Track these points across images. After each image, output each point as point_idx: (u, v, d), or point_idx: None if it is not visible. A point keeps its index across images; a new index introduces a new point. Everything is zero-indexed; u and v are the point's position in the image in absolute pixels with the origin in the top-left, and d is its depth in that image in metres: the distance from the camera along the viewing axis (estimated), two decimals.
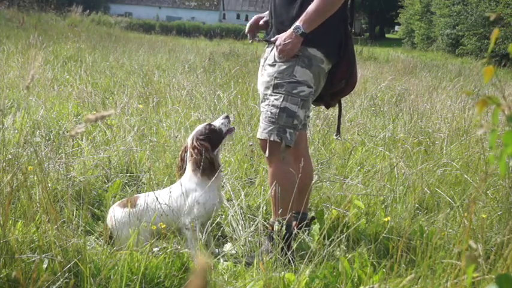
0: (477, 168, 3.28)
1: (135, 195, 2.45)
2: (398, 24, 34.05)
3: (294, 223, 2.35)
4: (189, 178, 2.36)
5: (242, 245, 2.39)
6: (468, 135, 3.98)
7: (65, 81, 6.00)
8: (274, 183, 2.28)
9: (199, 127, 2.47)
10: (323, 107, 2.71)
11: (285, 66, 2.26)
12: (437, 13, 23.73)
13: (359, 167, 3.41)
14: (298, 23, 2.20)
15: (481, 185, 2.69)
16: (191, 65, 8.64)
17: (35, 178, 2.46)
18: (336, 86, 2.42)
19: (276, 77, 2.27)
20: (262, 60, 2.46)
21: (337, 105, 2.59)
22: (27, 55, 6.86)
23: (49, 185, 2.43)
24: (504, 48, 14.83)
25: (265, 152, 2.32)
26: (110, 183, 2.98)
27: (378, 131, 4.31)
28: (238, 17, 50.08)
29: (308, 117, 2.58)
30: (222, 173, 2.61)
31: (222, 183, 2.74)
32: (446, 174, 3.24)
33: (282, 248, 2.12)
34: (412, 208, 2.70)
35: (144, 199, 2.33)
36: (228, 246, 2.43)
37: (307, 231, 2.47)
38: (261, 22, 2.58)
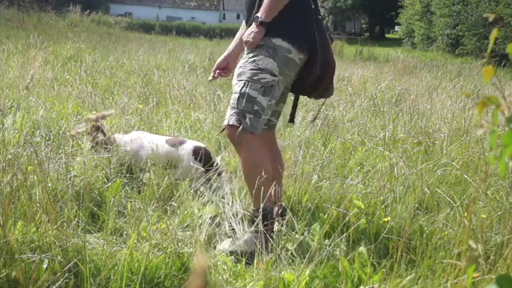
0: (477, 168, 3.28)
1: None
2: (398, 24, 34.03)
3: (275, 210, 2.35)
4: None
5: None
6: (468, 135, 3.97)
7: (65, 81, 6.00)
8: (244, 171, 2.36)
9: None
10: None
11: (248, 56, 2.36)
12: (437, 13, 23.72)
13: (359, 167, 3.41)
14: (258, 13, 2.31)
15: (481, 185, 2.69)
16: (191, 65, 8.64)
17: (35, 178, 2.46)
18: (313, 73, 2.44)
19: (240, 66, 2.37)
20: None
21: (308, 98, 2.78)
22: (27, 55, 6.86)
23: (49, 185, 2.43)
24: (504, 48, 14.82)
25: (228, 137, 2.39)
26: (110, 184, 2.98)
27: (378, 131, 4.30)
28: (238, 17, 50.04)
29: (279, 112, 2.63)
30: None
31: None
32: (446, 174, 3.24)
33: (265, 238, 2.14)
34: (412, 208, 2.70)
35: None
36: (226, 244, 2.43)
37: (281, 223, 2.47)
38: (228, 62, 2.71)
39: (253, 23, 2.32)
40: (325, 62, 2.44)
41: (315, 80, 2.47)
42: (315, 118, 3.17)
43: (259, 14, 2.30)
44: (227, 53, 2.70)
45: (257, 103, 2.31)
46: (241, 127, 2.29)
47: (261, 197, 2.24)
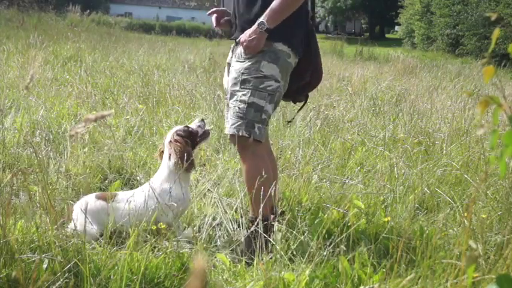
0: (477, 168, 3.28)
1: (114, 192, 2.49)
2: (399, 24, 34.01)
3: (271, 216, 2.35)
4: (166, 177, 2.41)
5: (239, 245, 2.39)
6: (468, 135, 3.97)
7: (64, 81, 6.00)
8: (248, 179, 2.32)
9: (177, 127, 2.54)
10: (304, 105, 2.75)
11: (251, 62, 2.29)
12: (437, 13, 23.71)
13: (359, 167, 3.41)
14: (262, 19, 2.24)
15: (481, 185, 2.69)
16: (191, 65, 8.64)
17: (35, 178, 2.46)
18: (303, 78, 2.45)
19: (243, 73, 2.30)
20: (229, 58, 2.49)
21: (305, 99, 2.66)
22: (27, 55, 6.86)
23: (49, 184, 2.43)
24: (504, 48, 14.80)
25: (237, 148, 2.34)
26: (109, 184, 2.98)
27: (378, 131, 4.30)
28: None
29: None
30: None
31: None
32: (446, 174, 3.24)
33: (264, 242, 2.14)
34: (412, 208, 2.70)
35: (122, 197, 2.38)
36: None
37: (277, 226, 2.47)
38: (223, 20, 2.58)
39: (257, 27, 2.24)
40: (316, 69, 2.47)
41: (303, 85, 2.50)
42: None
43: (264, 20, 2.23)
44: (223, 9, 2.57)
45: (265, 112, 2.29)
46: (251, 138, 2.27)
47: (258, 203, 2.23)
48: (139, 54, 9.77)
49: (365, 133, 4.27)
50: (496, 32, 0.92)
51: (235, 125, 2.29)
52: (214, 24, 2.58)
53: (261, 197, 2.21)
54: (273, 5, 2.24)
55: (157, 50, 11.34)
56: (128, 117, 4.17)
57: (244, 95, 2.28)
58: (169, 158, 2.43)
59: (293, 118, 2.89)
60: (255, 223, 2.19)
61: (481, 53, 18.46)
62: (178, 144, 2.42)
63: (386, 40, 36.18)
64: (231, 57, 2.45)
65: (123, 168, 3.23)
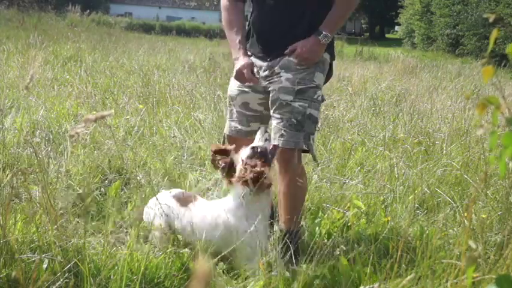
0: (477, 168, 3.28)
1: (195, 194, 2.28)
2: (398, 24, 34.02)
3: (302, 230, 2.37)
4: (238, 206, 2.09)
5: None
6: (468, 135, 3.97)
7: (65, 81, 6.00)
8: (292, 189, 2.24)
9: (245, 151, 2.16)
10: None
11: (306, 73, 2.25)
12: (437, 13, 23.72)
13: (359, 167, 3.41)
14: (325, 31, 2.21)
15: (481, 185, 2.69)
16: (191, 65, 8.64)
17: (35, 178, 2.46)
18: None
19: (298, 83, 2.23)
20: (237, 84, 2.37)
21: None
22: (27, 55, 6.86)
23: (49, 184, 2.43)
24: (504, 48, 14.77)
25: (290, 161, 2.20)
26: (109, 184, 2.98)
27: (378, 131, 4.30)
28: None
29: None
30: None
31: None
32: (446, 174, 3.24)
33: (293, 254, 2.12)
34: (412, 208, 2.70)
35: (201, 205, 2.17)
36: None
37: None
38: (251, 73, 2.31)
39: (319, 39, 2.20)
40: (331, 68, 2.46)
41: None
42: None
43: (326, 32, 2.19)
44: (248, 60, 2.30)
45: (317, 122, 2.30)
46: (310, 151, 2.24)
47: (296, 217, 2.23)
48: (139, 54, 9.77)
49: (365, 133, 4.27)
50: (494, 33, 0.92)
51: (294, 138, 2.20)
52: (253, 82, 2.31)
53: (298, 209, 2.23)
54: (333, 16, 2.23)
55: (157, 50, 11.34)
56: (128, 117, 4.17)
57: (301, 106, 2.21)
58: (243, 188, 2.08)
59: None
60: (292, 234, 2.20)
61: (481, 53, 18.46)
62: (253, 170, 2.05)
63: (386, 40, 36.17)
64: (264, 75, 2.31)
65: (123, 168, 3.23)
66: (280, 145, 2.19)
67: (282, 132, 2.21)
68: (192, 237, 2.13)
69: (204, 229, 2.10)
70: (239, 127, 2.43)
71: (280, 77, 2.27)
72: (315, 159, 2.36)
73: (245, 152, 2.15)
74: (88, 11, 21.30)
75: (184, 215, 2.18)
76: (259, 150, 2.12)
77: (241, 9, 2.44)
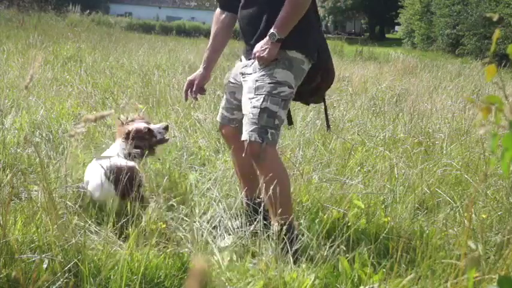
0: (477, 168, 3.28)
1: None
2: (398, 24, 34.01)
3: (296, 223, 2.35)
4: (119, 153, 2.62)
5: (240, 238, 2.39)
6: (468, 135, 3.97)
7: (65, 81, 6.00)
8: (270, 186, 2.25)
9: (140, 123, 2.73)
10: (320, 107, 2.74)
11: (265, 70, 2.32)
12: (437, 13, 23.71)
13: (359, 167, 3.41)
14: (272, 30, 2.26)
15: (481, 185, 2.69)
16: (191, 65, 8.64)
17: (35, 178, 2.46)
18: (314, 80, 2.46)
19: (257, 80, 2.32)
20: (233, 74, 2.56)
21: (322, 102, 2.66)
22: (27, 55, 6.87)
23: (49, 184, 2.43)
24: (504, 49, 14.77)
25: (250, 154, 2.30)
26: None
27: (378, 131, 4.30)
28: None
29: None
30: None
31: None
32: (446, 174, 3.24)
33: (285, 250, 2.12)
34: (412, 208, 2.70)
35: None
36: (228, 240, 2.42)
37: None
38: (197, 81, 2.61)
39: (268, 39, 2.27)
40: (326, 69, 2.48)
41: (315, 86, 2.50)
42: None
43: (274, 31, 2.26)
44: (204, 71, 2.60)
45: (278, 117, 2.30)
46: (264, 143, 2.26)
47: (282, 209, 2.22)
48: (139, 54, 9.77)
49: (365, 133, 4.27)
50: (497, 33, 0.92)
51: (249, 130, 2.29)
52: (187, 97, 2.64)
53: (285, 203, 2.24)
54: (281, 15, 2.26)
55: (157, 50, 11.34)
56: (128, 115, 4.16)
57: (257, 100, 2.29)
58: (123, 142, 2.63)
59: (329, 126, 2.75)
60: (286, 227, 2.20)
61: (481, 53, 18.46)
62: (137, 134, 2.62)
63: (386, 40, 36.18)
64: (243, 65, 2.47)
65: None
66: (241, 138, 2.34)
67: (244, 126, 2.33)
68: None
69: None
70: (225, 114, 2.61)
71: (249, 77, 2.39)
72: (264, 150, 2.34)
73: (139, 124, 2.72)
74: (88, 11, 21.31)
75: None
76: (149, 129, 2.71)
77: (225, 21, 2.58)
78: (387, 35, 43.02)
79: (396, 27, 41.19)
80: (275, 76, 2.30)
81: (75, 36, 10.85)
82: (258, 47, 2.31)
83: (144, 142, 2.69)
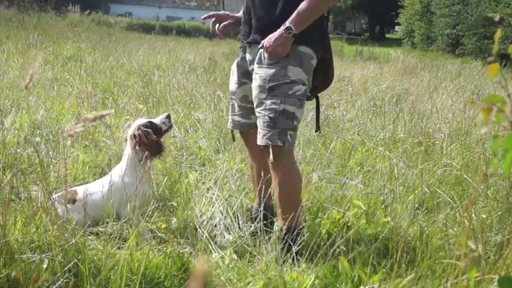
0: (477, 169, 3.28)
1: (72, 189, 2.49)
2: (398, 24, 34.03)
3: (303, 225, 2.34)
4: (126, 171, 2.44)
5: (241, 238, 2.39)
6: (468, 135, 3.97)
7: (65, 81, 6.00)
8: (283, 188, 2.25)
9: (140, 121, 2.57)
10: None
11: (277, 68, 2.22)
12: (437, 13, 23.72)
13: (359, 167, 3.41)
14: (289, 23, 2.15)
15: (481, 185, 2.69)
16: (191, 65, 8.64)
17: (36, 178, 2.46)
18: (314, 79, 2.41)
19: (270, 80, 2.22)
20: (238, 60, 2.46)
21: (314, 102, 2.58)
22: (27, 55, 6.86)
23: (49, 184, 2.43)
24: (504, 49, 14.76)
25: (269, 158, 2.23)
26: None
27: (378, 131, 4.30)
28: None
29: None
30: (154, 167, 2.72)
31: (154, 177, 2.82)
32: (446, 174, 3.24)
33: (292, 252, 2.12)
34: (412, 208, 2.70)
35: (84, 192, 2.42)
36: (228, 240, 2.43)
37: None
38: (228, 22, 2.54)
39: (283, 32, 2.15)
40: (327, 69, 2.44)
41: (313, 86, 2.46)
42: (318, 128, 2.88)
43: (291, 25, 2.14)
44: (232, 18, 2.54)
45: (296, 118, 2.23)
46: (285, 147, 2.21)
47: (294, 213, 2.22)
48: (139, 54, 9.77)
49: (365, 133, 4.27)
50: (499, 33, 0.92)
51: (268, 135, 2.22)
52: (212, 29, 2.56)
53: (295, 207, 2.22)
54: (301, 9, 2.16)
55: (157, 50, 11.33)
56: (127, 117, 4.17)
57: (273, 103, 2.20)
58: (132, 151, 2.47)
59: (318, 127, 2.71)
60: (292, 232, 2.21)
61: (481, 53, 18.44)
62: (139, 137, 2.46)
63: (386, 40, 36.19)
64: (245, 59, 2.40)
65: None
66: (258, 143, 2.27)
67: (260, 130, 2.26)
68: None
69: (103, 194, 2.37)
70: (242, 121, 2.51)
71: (256, 73, 2.29)
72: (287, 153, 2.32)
73: (139, 121, 2.58)
74: (88, 11, 21.31)
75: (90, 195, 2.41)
76: (152, 123, 2.54)
77: None
78: (387, 35, 43.04)
79: (396, 27, 41.20)
80: (289, 75, 2.21)
81: (75, 36, 10.84)
82: (269, 40, 2.19)
83: (150, 138, 2.48)
